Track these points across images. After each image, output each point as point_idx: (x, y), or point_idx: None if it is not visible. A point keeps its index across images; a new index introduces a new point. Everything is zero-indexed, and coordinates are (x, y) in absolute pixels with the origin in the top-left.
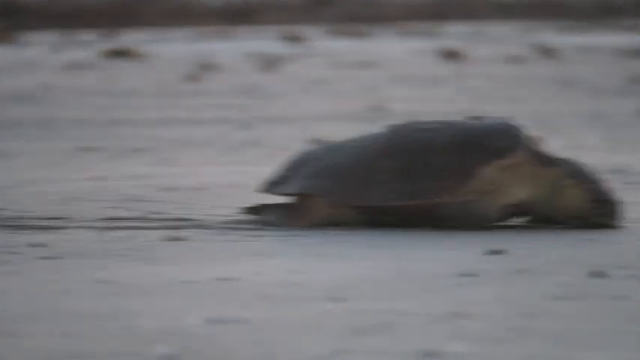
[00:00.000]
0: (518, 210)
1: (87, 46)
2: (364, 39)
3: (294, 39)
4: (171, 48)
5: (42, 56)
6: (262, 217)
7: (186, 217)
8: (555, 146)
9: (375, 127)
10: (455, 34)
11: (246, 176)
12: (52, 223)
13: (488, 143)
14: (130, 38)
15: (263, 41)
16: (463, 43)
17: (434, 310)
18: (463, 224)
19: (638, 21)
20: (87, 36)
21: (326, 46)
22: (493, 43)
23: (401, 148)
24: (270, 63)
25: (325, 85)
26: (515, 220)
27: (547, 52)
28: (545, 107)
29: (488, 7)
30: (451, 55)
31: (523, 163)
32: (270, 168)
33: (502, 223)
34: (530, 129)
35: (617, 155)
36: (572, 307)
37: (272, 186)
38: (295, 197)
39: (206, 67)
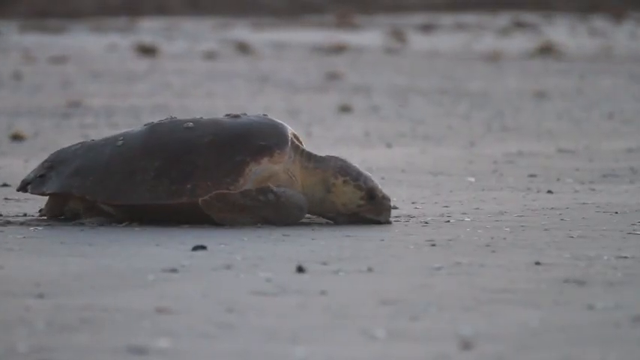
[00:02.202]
0: None
1: None
2: (57, 34)
3: None
4: None
5: None
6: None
7: None
8: None
9: (69, 123)
10: (149, 29)
11: None
12: None
13: (255, 141)
14: None
15: None
16: (158, 38)
17: (138, 305)
18: (231, 222)
19: (333, 18)
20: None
21: (18, 41)
22: (188, 38)
23: (162, 147)
24: None
25: (20, 81)
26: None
27: (242, 49)
28: (242, 103)
29: (182, 3)
30: (146, 51)
31: (292, 161)
32: None
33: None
34: None
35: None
36: (278, 302)
37: (32, 185)
38: (54, 197)
39: None
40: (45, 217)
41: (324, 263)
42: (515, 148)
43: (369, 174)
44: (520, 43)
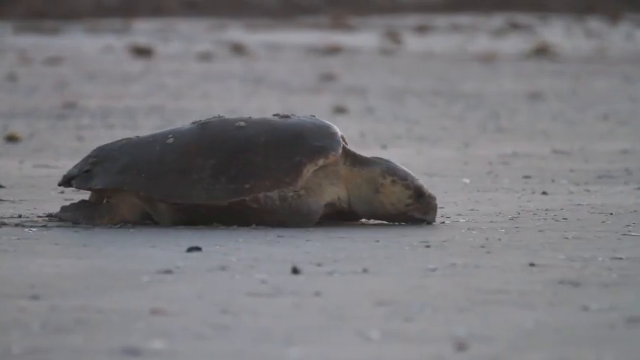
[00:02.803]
0: (336, 209)
1: None
2: (53, 35)
3: None
4: None
5: None
6: (65, 215)
7: None
8: None
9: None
10: (144, 30)
11: None
12: None
13: (310, 142)
14: None
15: None
16: (153, 39)
17: (133, 307)
18: (286, 222)
19: (327, 19)
20: None
21: (13, 42)
22: (183, 40)
23: (217, 146)
24: None
25: (15, 82)
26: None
27: (236, 50)
28: (237, 104)
29: (177, 4)
30: (141, 52)
31: (342, 162)
32: None
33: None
34: None
35: None
36: (273, 303)
37: (78, 180)
38: (99, 193)
39: None
40: (50, 218)
41: (319, 264)
42: (509, 149)
43: (414, 174)
44: (515, 44)
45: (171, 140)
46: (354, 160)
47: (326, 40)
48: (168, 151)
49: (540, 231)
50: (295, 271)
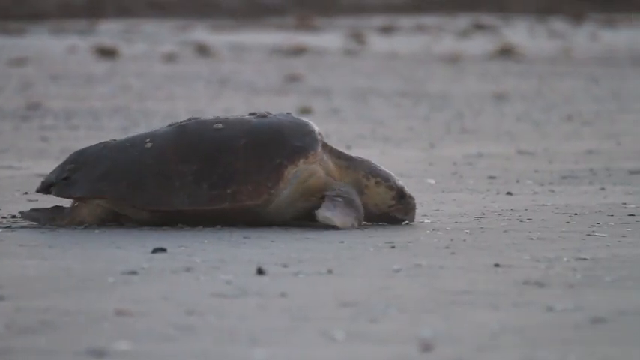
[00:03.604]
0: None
1: None
2: (17, 36)
3: None
4: None
5: None
6: (26, 214)
7: None
8: None
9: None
10: (109, 31)
11: None
12: None
13: (290, 141)
14: None
15: None
16: (118, 40)
17: (98, 308)
18: (275, 222)
19: (292, 20)
20: None
21: None
22: (148, 40)
23: (196, 150)
24: None
25: None
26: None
27: (201, 51)
28: (202, 105)
29: (141, 5)
30: (106, 53)
31: (325, 159)
32: None
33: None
34: None
35: None
36: (238, 304)
37: (57, 188)
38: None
39: None
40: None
41: (284, 265)
42: (474, 149)
43: (393, 174)
44: (479, 44)
45: (149, 145)
46: (337, 156)
47: (291, 40)
48: (148, 156)
49: (505, 231)
50: (260, 271)
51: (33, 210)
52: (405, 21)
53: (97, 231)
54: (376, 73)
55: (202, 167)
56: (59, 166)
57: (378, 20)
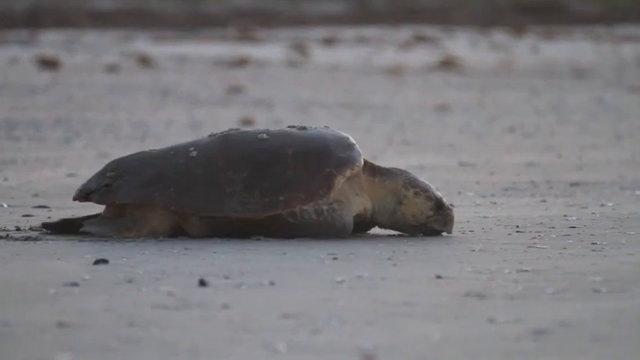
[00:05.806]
0: (360, 219)
1: None
2: None
3: None
4: None
5: None
6: (92, 229)
7: None
8: None
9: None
10: (51, 42)
11: None
12: None
13: (336, 153)
14: None
15: None
16: (59, 51)
17: (39, 320)
18: (320, 234)
19: (234, 31)
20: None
21: None
22: (90, 51)
23: (245, 158)
24: None
25: None
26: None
27: (143, 62)
28: (145, 117)
29: (82, 15)
30: (48, 63)
31: (363, 173)
32: None
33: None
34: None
35: None
36: (179, 315)
37: (98, 194)
38: (121, 207)
39: None
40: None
41: (226, 277)
42: (416, 161)
43: (432, 185)
44: (421, 56)
45: (194, 153)
46: (372, 170)
47: (233, 52)
48: (194, 164)
49: (447, 243)
50: (202, 283)
51: (89, 223)
52: (347, 32)
53: (38, 243)
54: (318, 84)
55: (252, 175)
56: (97, 174)
57: (320, 32)
